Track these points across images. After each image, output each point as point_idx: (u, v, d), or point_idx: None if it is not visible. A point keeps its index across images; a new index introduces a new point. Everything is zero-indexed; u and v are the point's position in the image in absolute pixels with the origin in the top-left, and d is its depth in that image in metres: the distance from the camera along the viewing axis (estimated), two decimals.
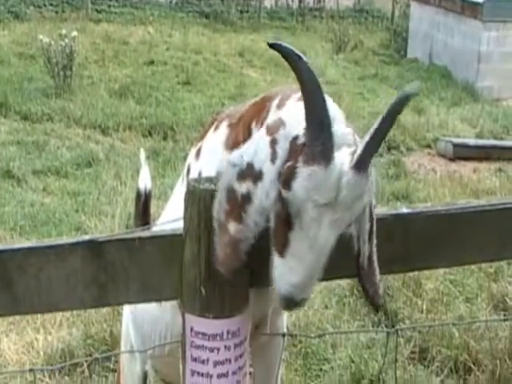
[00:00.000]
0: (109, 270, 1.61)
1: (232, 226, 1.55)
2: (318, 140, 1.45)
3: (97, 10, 17.39)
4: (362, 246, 1.60)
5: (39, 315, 4.44)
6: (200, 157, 1.95)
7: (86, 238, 1.59)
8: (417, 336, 4.41)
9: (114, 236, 1.61)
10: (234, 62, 13.40)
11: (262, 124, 1.69)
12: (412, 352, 4.32)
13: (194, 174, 1.91)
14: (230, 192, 1.55)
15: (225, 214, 1.55)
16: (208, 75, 12.30)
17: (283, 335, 1.99)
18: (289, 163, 1.50)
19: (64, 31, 10.66)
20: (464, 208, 1.82)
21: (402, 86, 12.94)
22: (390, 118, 1.45)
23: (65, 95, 10.10)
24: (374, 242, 1.65)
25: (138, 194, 2.90)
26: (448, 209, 1.80)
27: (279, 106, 1.69)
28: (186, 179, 1.98)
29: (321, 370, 4.17)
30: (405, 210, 1.77)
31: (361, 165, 1.47)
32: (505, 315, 4.67)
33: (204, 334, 1.62)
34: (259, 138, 1.57)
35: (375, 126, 1.46)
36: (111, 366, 3.91)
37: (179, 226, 1.63)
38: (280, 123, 1.58)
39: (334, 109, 1.55)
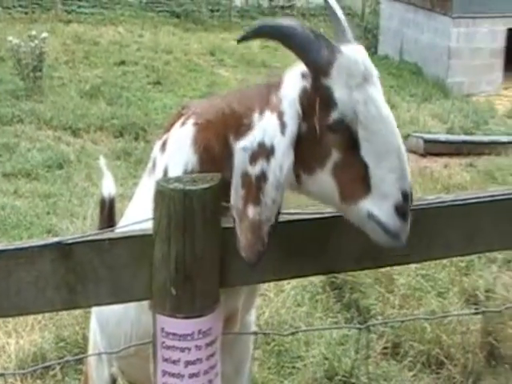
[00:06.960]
0: (78, 272, 1.60)
1: (250, 210, 1.57)
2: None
3: (66, 11, 17.34)
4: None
5: (10, 319, 4.41)
6: (166, 150, 1.94)
7: (55, 239, 1.59)
8: (389, 331, 4.43)
9: (82, 237, 1.60)
10: (204, 61, 13.41)
11: (241, 137, 1.70)
12: (384, 347, 4.35)
13: (159, 168, 1.91)
14: (244, 177, 1.58)
15: (242, 200, 1.58)
16: (179, 75, 12.30)
17: (255, 334, 1.98)
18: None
19: (34, 32, 10.62)
20: (432, 203, 1.83)
21: None
22: None
23: (35, 97, 10.07)
24: None
25: (102, 202, 2.91)
26: (417, 204, 1.80)
27: (268, 109, 1.66)
28: (152, 174, 1.97)
29: (294, 367, 4.18)
30: None
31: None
32: (476, 309, 4.71)
33: (175, 335, 1.62)
34: (266, 119, 1.61)
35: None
36: (84, 369, 3.89)
37: (148, 225, 1.63)
38: (280, 98, 1.63)
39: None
